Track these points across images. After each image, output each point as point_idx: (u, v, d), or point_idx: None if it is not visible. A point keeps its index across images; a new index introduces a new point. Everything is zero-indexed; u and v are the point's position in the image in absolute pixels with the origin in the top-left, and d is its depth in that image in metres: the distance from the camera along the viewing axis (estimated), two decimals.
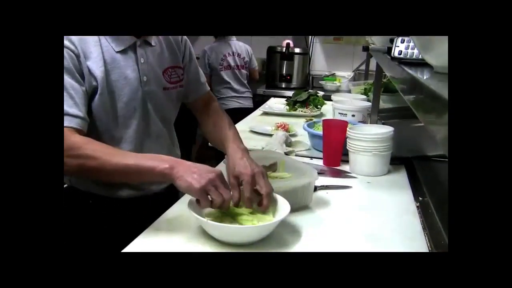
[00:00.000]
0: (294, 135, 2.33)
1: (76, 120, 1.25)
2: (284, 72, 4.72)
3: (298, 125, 2.41)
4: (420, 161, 1.91)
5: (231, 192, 1.20)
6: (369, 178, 1.79)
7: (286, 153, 2.02)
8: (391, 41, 1.26)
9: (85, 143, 1.20)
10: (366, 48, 1.67)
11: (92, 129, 1.34)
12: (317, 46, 4.98)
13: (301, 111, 2.92)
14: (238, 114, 2.99)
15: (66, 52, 1.26)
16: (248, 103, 4.35)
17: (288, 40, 4.71)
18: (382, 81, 2.39)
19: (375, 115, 2.29)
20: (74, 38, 1.27)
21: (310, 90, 3.14)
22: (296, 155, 2.04)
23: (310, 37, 4.92)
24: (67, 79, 1.26)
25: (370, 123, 2.27)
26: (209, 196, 1.13)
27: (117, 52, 1.36)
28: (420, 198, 1.60)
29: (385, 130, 1.84)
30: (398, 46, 1.14)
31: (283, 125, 2.37)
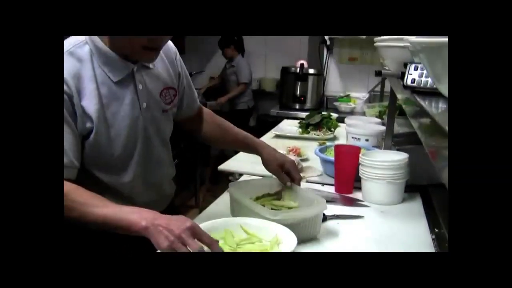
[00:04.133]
0: (305, 160, 2.27)
1: (68, 170, 1.22)
2: (298, 93, 4.67)
3: (311, 149, 2.35)
4: (436, 189, 1.83)
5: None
6: (382, 207, 1.72)
7: None
8: (405, 65, 1.20)
9: (66, 194, 1.12)
10: (379, 73, 1.60)
11: (91, 163, 1.31)
12: (332, 67, 4.92)
13: (314, 134, 2.86)
14: None
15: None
16: None
17: (302, 61, 4.67)
18: (396, 104, 2.33)
19: (389, 140, 2.22)
20: (69, 77, 1.21)
21: (323, 112, 3.08)
22: (307, 181, 1.98)
23: (324, 57, 4.87)
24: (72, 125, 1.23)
25: (384, 149, 2.20)
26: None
27: (115, 82, 1.29)
28: (436, 230, 1.53)
29: (400, 156, 1.77)
30: (411, 74, 1.08)
31: (295, 149, 2.31)
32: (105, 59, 1.27)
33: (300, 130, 2.92)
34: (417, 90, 1.05)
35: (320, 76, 4.77)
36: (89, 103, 1.24)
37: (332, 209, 1.66)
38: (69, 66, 1.22)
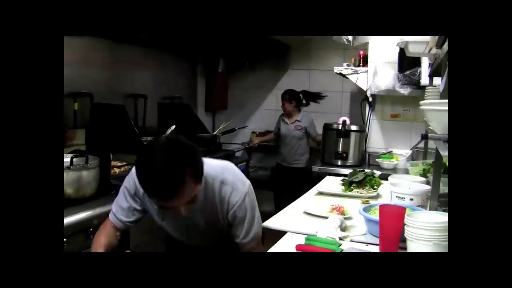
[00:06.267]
0: (349, 219, 2.26)
1: (116, 221, 1.93)
2: (340, 150, 4.68)
3: (354, 207, 2.35)
4: None
5: None
6: None
7: (341, 238, 1.95)
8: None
9: (100, 232, 1.93)
10: (425, 136, 1.62)
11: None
12: (374, 123, 4.94)
13: (357, 191, 2.85)
14: None
15: (136, 186, 1.83)
16: None
17: (344, 117, 4.71)
18: (442, 164, 2.31)
19: (435, 200, 2.20)
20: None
21: (366, 170, 3.08)
22: (351, 240, 1.97)
23: (366, 114, 4.90)
24: (128, 197, 1.90)
25: (429, 209, 2.17)
26: None
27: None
28: None
29: (446, 218, 1.75)
30: None
31: (339, 208, 2.31)
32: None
33: (343, 187, 2.92)
34: None
35: (362, 132, 4.78)
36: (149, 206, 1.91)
37: None
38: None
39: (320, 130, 4.99)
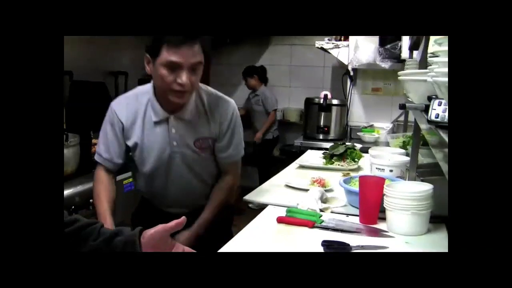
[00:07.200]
0: (330, 191, 2.29)
1: (107, 162, 1.95)
2: (321, 124, 4.69)
3: (335, 179, 2.37)
4: None
5: None
6: (407, 237, 1.72)
7: (322, 210, 1.98)
8: (429, 98, 1.23)
9: (96, 181, 1.95)
10: (403, 106, 1.63)
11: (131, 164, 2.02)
12: (355, 97, 4.96)
13: (338, 164, 2.88)
14: None
15: (116, 118, 1.90)
16: None
17: (326, 92, 4.72)
18: (420, 135, 2.34)
19: (413, 171, 2.23)
20: (129, 113, 1.90)
21: (347, 143, 3.10)
22: (331, 212, 2.00)
23: (348, 88, 4.92)
24: (111, 132, 1.92)
25: (408, 179, 2.21)
26: None
27: (154, 122, 1.89)
28: None
29: (424, 187, 1.78)
30: (435, 109, 1.11)
31: (319, 180, 2.33)
32: (153, 106, 1.89)
33: (324, 161, 2.95)
34: (441, 125, 1.08)
35: (344, 106, 4.80)
36: (136, 129, 1.90)
37: (357, 240, 1.67)
38: (132, 106, 1.91)
39: (301, 105, 5.00)
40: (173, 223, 1.22)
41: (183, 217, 1.23)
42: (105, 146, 1.94)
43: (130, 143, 1.93)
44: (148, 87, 1.92)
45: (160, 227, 1.22)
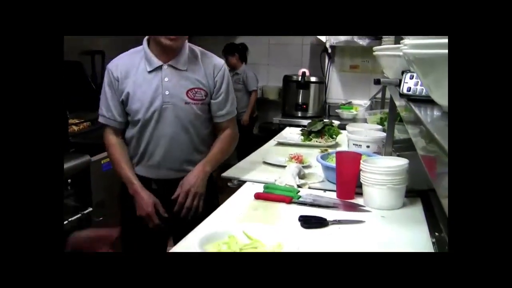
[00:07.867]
0: (308, 167, 2.30)
1: (110, 121, 2.02)
2: (300, 101, 4.71)
3: (313, 156, 2.39)
4: (437, 193, 1.86)
5: None
6: (383, 211, 1.75)
7: (299, 186, 2.00)
8: (403, 73, 1.24)
9: (107, 146, 2.07)
10: (377, 81, 1.65)
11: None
12: (334, 75, 4.97)
13: (316, 141, 2.89)
14: None
15: (111, 76, 1.97)
16: None
17: (304, 69, 4.72)
18: (397, 112, 2.36)
19: (389, 146, 2.26)
20: (122, 68, 1.97)
21: (325, 120, 3.12)
22: (309, 188, 2.02)
23: (326, 65, 4.93)
24: (109, 92, 1.99)
25: (384, 155, 2.24)
26: None
27: (148, 71, 1.95)
28: (436, 234, 1.56)
29: (400, 162, 1.81)
30: (407, 83, 1.12)
31: (297, 157, 2.35)
32: (146, 57, 1.96)
33: (302, 137, 2.96)
34: (412, 98, 1.09)
35: (322, 84, 4.81)
36: (129, 81, 1.96)
37: (334, 214, 1.70)
38: (125, 61, 2.00)
39: (280, 83, 4.99)
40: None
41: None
42: (106, 106, 2.02)
43: (123, 95, 1.97)
44: (141, 47, 2.00)
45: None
